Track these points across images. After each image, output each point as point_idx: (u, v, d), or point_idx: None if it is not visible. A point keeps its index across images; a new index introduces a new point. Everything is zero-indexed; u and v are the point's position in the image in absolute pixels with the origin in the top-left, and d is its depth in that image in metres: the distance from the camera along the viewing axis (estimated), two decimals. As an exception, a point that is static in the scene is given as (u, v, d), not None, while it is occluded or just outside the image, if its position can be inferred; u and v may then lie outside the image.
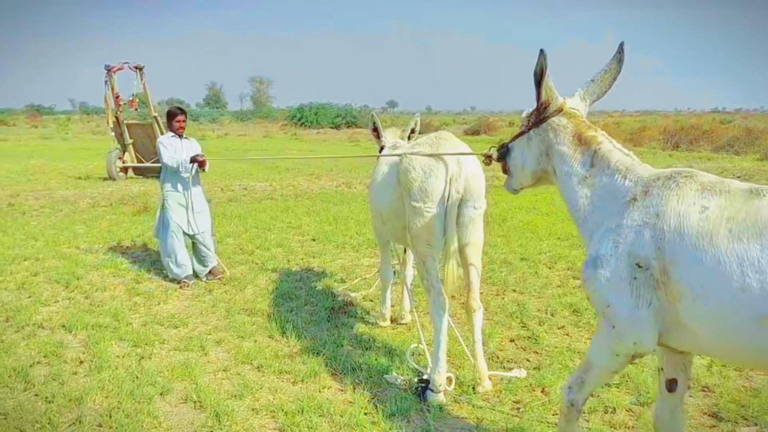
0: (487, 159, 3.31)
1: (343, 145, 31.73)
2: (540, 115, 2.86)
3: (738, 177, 14.28)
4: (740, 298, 2.05)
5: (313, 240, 8.36)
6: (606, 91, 2.89)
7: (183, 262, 6.41)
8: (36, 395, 3.82)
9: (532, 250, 7.49)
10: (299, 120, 50.54)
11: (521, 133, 3.00)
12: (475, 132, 38.15)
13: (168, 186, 6.45)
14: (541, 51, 2.68)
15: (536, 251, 7.43)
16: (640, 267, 2.31)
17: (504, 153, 3.12)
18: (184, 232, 6.45)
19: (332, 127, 48.75)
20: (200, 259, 6.56)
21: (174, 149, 6.37)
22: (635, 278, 2.33)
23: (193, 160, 6.28)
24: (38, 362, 4.33)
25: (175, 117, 6.49)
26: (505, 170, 3.16)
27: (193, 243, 6.56)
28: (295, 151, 26.01)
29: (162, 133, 15.01)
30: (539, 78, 2.78)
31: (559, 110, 2.80)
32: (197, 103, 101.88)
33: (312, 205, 11.33)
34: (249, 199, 12.01)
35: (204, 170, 6.45)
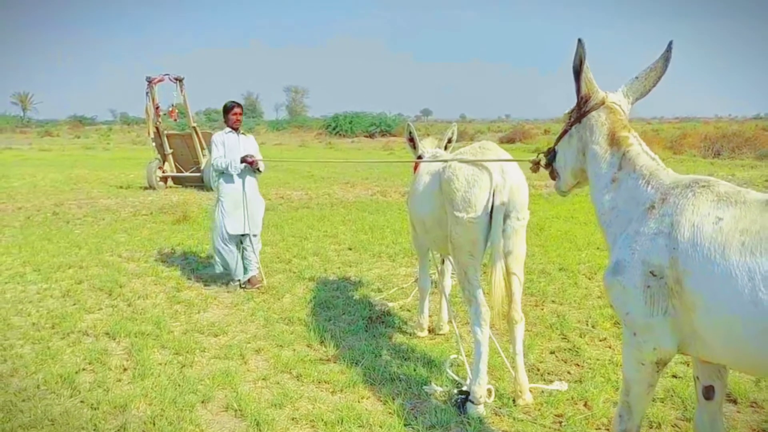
0: (535, 166, 3.28)
1: (378, 153, 31.83)
2: (580, 110, 2.83)
3: (784, 185, 13.91)
4: (751, 312, 2.02)
5: (350, 249, 8.38)
6: (650, 90, 2.83)
7: (233, 264, 6.50)
8: (82, 402, 3.90)
9: (570, 260, 7.39)
10: (334, 129, 50.90)
11: (564, 132, 2.98)
12: (511, 140, 37.87)
13: (223, 185, 6.51)
14: (579, 41, 2.64)
15: (575, 261, 7.32)
16: (654, 275, 2.30)
17: (552, 158, 3.09)
18: (237, 234, 6.52)
19: (366, 136, 48.97)
20: (246, 263, 6.62)
21: (228, 147, 6.41)
22: (649, 286, 2.31)
23: (243, 160, 6.34)
24: (83, 369, 4.42)
25: (231, 110, 6.50)
26: (553, 176, 3.13)
27: (242, 244, 6.61)
28: (331, 159, 26.17)
29: (201, 144, 15.39)
30: (578, 70, 2.75)
31: (601, 104, 2.76)
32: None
33: (347, 213, 11.37)
34: (285, 208, 12.12)
35: (259, 171, 6.50)
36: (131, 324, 5.30)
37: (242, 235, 6.57)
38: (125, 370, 4.40)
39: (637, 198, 2.51)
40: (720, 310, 2.11)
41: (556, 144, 3.06)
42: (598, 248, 7.98)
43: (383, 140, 44.58)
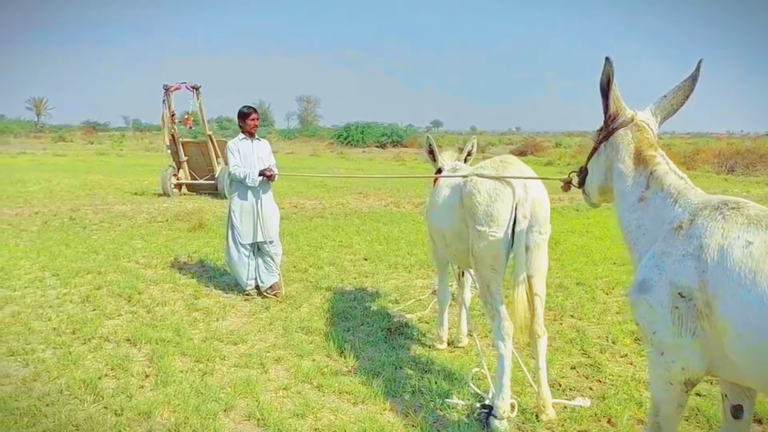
0: (567, 185, 3.29)
1: (390, 163, 31.88)
2: (608, 128, 2.84)
3: (800, 203, 13.81)
4: None
5: (365, 260, 8.39)
6: (677, 110, 2.85)
7: (243, 274, 6.54)
8: (105, 408, 3.92)
9: (587, 274, 7.37)
10: (345, 139, 51.03)
11: (594, 150, 2.99)
12: (522, 153, 37.80)
13: (236, 192, 6.54)
14: (607, 59, 2.66)
15: (592, 276, 7.30)
16: (682, 297, 2.28)
17: (584, 177, 3.09)
18: (252, 243, 6.55)
19: (378, 146, 49.07)
20: (266, 269, 6.64)
21: (243, 154, 6.43)
22: (677, 307, 2.30)
23: (261, 173, 6.37)
24: (106, 375, 4.45)
25: (248, 116, 6.50)
26: (585, 192, 3.14)
27: (260, 252, 6.64)
28: (342, 169, 26.24)
29: (216, 152, 15.48)
30: (606, 88, 2.76)
31: (630, 121, 2.76)
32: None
33: (362, 224, 11.39)
34: (300, 217, 12.15)
35: (273, 180, 6.54)
36: (151, 331, 5.33)
37: (259, 243, 6.60)
38: (147, 376, 4.43)
39: (664, 217, 2.50)
40: (751, 337, 2.09)
41: (587, 162, 3.07)
42: (614, 263, 7.96)
43: (395, 150, 44.66)
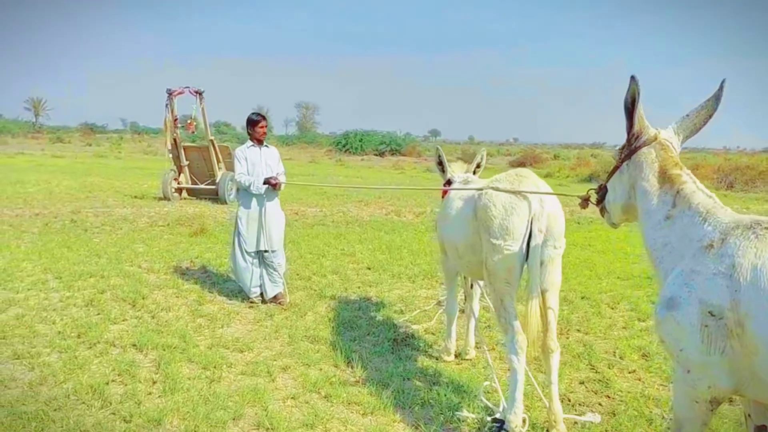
0: (585, 202, 3.29)
1: (388, 172, 31.93)
2: (631, 146, 2.84)
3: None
4: None
5: (369, 269, 8.38)
6: (700, 128, 2.84)
7: (247, 282, 6.52)
8: (113, 414, 3.88)
9: (592, 289, 7.37)
10: (344, 146, 51.07)
11: (615, 168, 2.98)
12: (521, 164, 37.79)
13: (242, 201, 6.53)
14: (633, 77, 2.66)
15: (596, 290, 7.30)
16: (712, 315, 2.27)
17: (602, 195, 3.09)
18: (256, 251, 6.52)
19: (376, 154, 49.11)
20: (270, 279, 6.62)
21: (251, 162, 6.42)
22: (706, 326, 2.28)
23: (266, 181, 6.36)
24: (113, 380, 4.41)
25: (257, 124, 6.49)
26: (603, 212, 3.13)
27: (264, 260, 6.61)
28: (341, 177, 26.26)
29: (218, 157, 15.47)
30: (630, 107, 2.76)
31: (653, 140, 2.77)
32: (242, 126, 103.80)
33: (363, 232, 11.39)
34: (301, 225, 12.14)
35: (279, 189, 6.52)
36: (157, 336, 5.30)
37: (264, 252, 6.57)
38: (155, 383, 4.39)
39: (693, 235, 2.50)
40: None
41: (607, 180, 3.07)
42: (618, 277, 7.96)
43: (393, 159, 44.74)
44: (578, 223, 12.88)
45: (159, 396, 4.17)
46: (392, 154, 49.18)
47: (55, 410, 3.89)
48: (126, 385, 4.34)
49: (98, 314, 5.91)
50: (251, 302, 6.56)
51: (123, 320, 5.79)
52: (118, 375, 4.50)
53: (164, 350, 4.97)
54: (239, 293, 6.80)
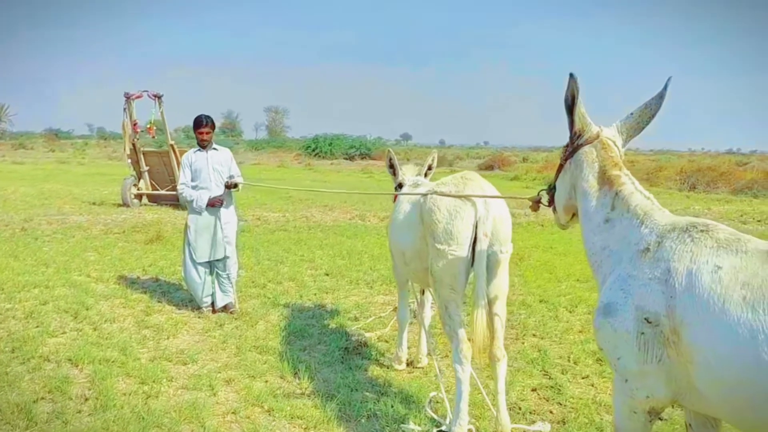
0: (535, 205, 3.16)
1: (357, 176, 31.76)
2: (573, 145, 2.74)
3: (758, 221, 14.06)
4: (755, 373, 1.89)
5: (327, 275, 8.20)
6: (643, 128, 2.77)
7: (198, 292, 6.30)
8: (37, 435, 3.66)
9: (550, 292, 7.30)
10: (313, 150, 50.75)
11: (560, 167, 2.88)
12: (489, 167, 38.16)
13: (191, 208, 6.29)
14: (571, 75, 2.57)
15: (555, 293, 7.23)
16: (649, 322, 2.18)
17: (554, 195, 2.98)
18: (207, 261, 6.31)
19: (346, 158, 48.88)
20: (221, 289, 6.40)
21: (196, 168, 6.20)
22: (643, 333, 2.19)
23: (210, 202, 6.15)
24: (42, 398, 4.17)
25: (198, 127, 6.22)
26: (555, 211, 3.02)
27: (216, 269, 6.40)
28: (308, 181, 26.04)
29: (178, 162, 15.13)
30: (570, 104, 2.67)
31: (595, 138, 2.67)
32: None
33: (325, 237, 11.21)
34: (262, 230, 11.91)
35: (236, 187, 6.33)
36: (96, 349, 5.06)
37: (216, 260, 6.36)
38: (86, 400, 4.16)
39: (630, 238, 2.40)
40: (720, 367, 1.98)
41: (555, 180, 2.96)
42: (577, 280, 7.92)
43: (363, 163, 44.56)
44: (542, 225, 12.87)
45: (89, 414, 3.94)
46: (362, 158, 48.99)
47: (-26, 432, 3.65)
48: (55, 402, 4.10)
49: (37, 327, 5.64)
50: (209, 309, 6.35)
51: (62, 333, 5.53)
52: (49, 392, 4.26)
53: (101, 364, 4.74)
54: (190, 302, 6.58)
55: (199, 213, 6.23)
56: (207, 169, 6.20)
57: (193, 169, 6.21)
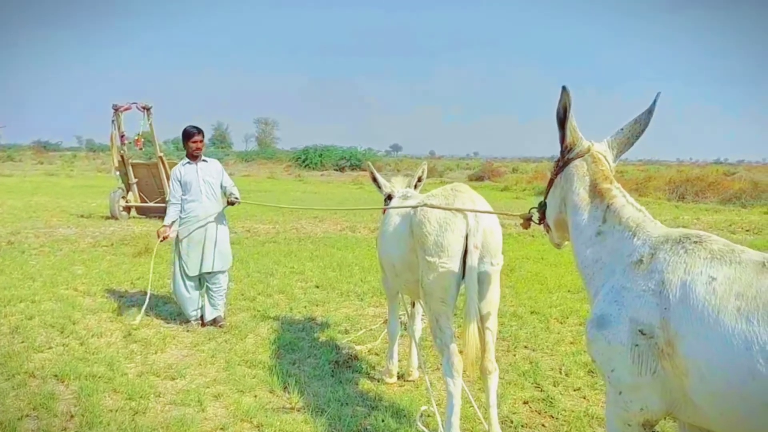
0: (526, 222, 3.12)
1: (347, 187, 31.75)
2: (564, 159, 2.73)
3: (747, 230, 14.14)
4: (749, 385, 1.88)
5: (317, 287, 8.15)
6: (633, 143, 2.77)
7: (188, 305, 6.24)
8: (21, 453, 3.59)
9: (542, 303, 7.28)
10: (304, 161, 50.71)
11: (550, 182, 2.87)
12: (480, 178, 38.24)
13: (182, 222, 6.23)
14: (564, 88, 2.56)
15: (546, 304, 7.22)
16: (643, 334, 2.16)
17: (545, 212, 2.95)
18: (197, 275, 6.25)
19: (336, 169, 48.87)
20: (210, 303, 6.34)
21: (186, 181, 6.14)
22: (637, 345, 2.17)
23: (162, 236, 6.17)
24: (27, 415, 4.10)
25: (190, 138, 6.16)
26: (547, 228, 2.99)
27: (207, 282, 6.34)
28: (299, 192, 25.98)
29: (167, 174, 15.05)
30: (562, 118, 2.66)
31: (586, 152, 2.66)
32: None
33: (315, 249, 11.16)
34: (252, 242, 11.84)
35: (231, 204, 6.30)
36: (82, 365, 4.99)
37: (205, 275, 6.31)
38: (72, 417, 4.09)
39: (623, 250, 2.39)
40: (715, 379, 1.96)
41: (546, 197, 2.94)
42: (569, 291, 7.90)
43: (353, 174, 44.53)
44: (532, 236, 12.85)
45: (74, 431, 3.87)
46: (353, 170, 48.98)
47: (-44, 451, 3.58)
48: (41, 420, 4.03)
49: (22, 342, 5.56)
50: (198, 322, 6.28)
51: (48, 348, 5.45)
52: (34, 409, 4.18)
53: (87, 380, 4.66)
54: (179, 316, 6.51)
55: (192, 226, 6.17)
56: (197, 182, 6.15)
57: (183, 182, 6.16)
